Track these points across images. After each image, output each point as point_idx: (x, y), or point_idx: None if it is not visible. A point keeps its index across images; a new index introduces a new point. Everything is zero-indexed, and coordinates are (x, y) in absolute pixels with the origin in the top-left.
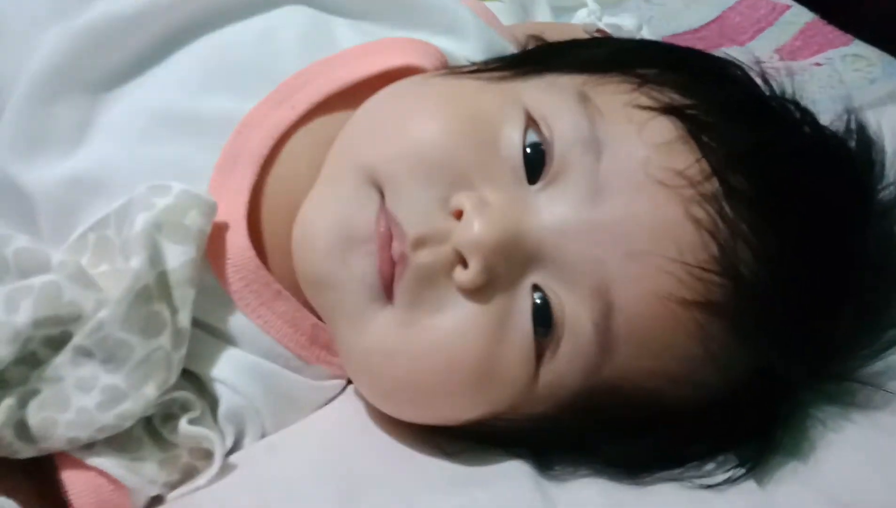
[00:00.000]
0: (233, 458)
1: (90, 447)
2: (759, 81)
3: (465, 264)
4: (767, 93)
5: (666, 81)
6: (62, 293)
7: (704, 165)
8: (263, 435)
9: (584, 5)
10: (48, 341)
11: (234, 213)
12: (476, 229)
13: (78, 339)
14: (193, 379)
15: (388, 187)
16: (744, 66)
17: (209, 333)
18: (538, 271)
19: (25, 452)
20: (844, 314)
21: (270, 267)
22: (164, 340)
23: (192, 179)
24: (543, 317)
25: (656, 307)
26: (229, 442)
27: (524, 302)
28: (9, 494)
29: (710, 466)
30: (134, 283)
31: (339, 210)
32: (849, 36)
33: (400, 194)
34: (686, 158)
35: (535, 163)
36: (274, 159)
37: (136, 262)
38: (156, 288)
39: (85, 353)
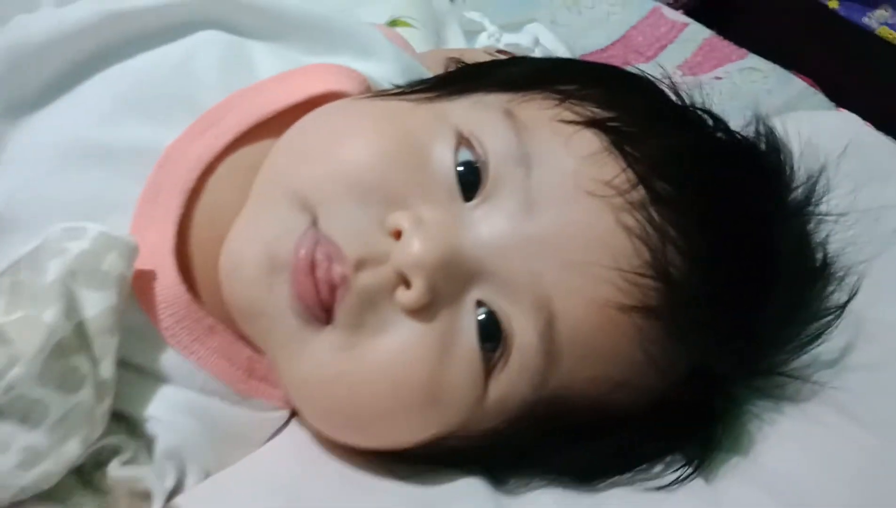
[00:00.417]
0: (180, 500)
1: (20, 503)
2: (669, 92)
3: (407, 284)
4: (680, 103)
5: (586, 95)
6: None
7: (630, 173)
8: (207, 473)
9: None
10: None
11: (161, 247)
12: (416, 248)
13: None
14: (124, 421)
15: (321, 210)
16: (654, 79)
17: (139, 373)
18: (481, 287)
19: None
20: (770, 309)
21: (202, 300)
22: (85, 394)
23: (110, 213)
24: (490, 332)
25: (596, 315)
26: (170, 482)
27: (468, 318)
28: None
29: (659, 467)
30: (48, 338)
31: (265, 237)
32: (744, 50)
33: (335, 215)
34: (612, 168)
35: (470, 181)
36: (200, 190)
37: (50, 315)
38: (73, 340)
39: None
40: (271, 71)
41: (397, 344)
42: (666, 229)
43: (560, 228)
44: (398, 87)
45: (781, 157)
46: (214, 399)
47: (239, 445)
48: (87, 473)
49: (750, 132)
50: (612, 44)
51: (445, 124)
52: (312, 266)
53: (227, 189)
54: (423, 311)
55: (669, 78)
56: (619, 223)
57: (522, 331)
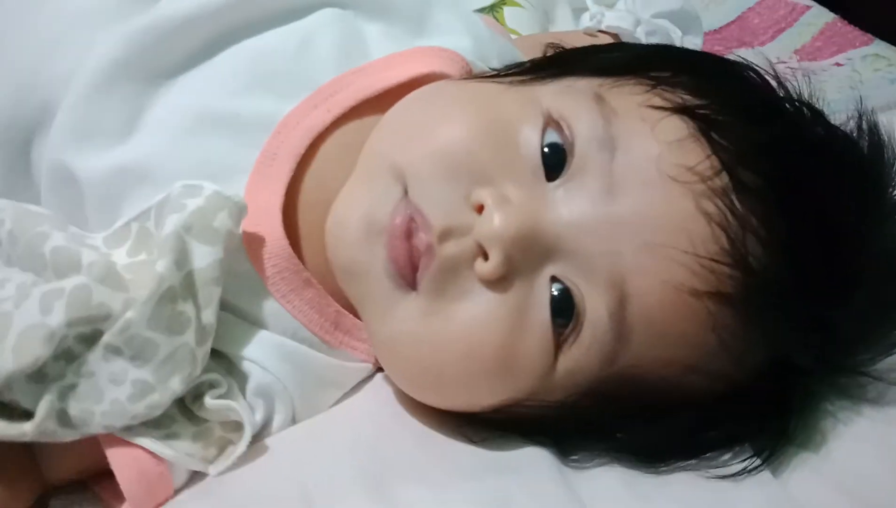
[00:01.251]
0: (271, 441)
1: (128, 428)
2: (773, 82)
3: (486, 256)
4: (780, 94)
5: (678, 82)
6: (91, 296)
7: (714, 161)
8: (294, 413)
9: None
10: (81, 338)
11: (271, 205)
12: (496, 222)
13: (107, 337)
14: (223, 359)
15: (412, 183)
16: (758, 68)
17: (240, 316)
18: (557, 264)
19: (69, 437)
20: (854, 306)
21: (303, 257)
22: (189, 337)
23: (232, 174)
24: (563, 307)
25: (669, 297)
26: (259, 417)
27: (543, 293)
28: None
29: (726, 456)
30: (158, 286)
31: (367, 203)
32: (869, 36)
33: (425, 189)
34: (697, 155)
35: (554, 162)
36: (310, 158)
37: (162, 265)
38: (181, 289)
39: (114, 350)
40: (382, 52)
41: (474, 312)
42: (747, 217)
43: (639, 210)
44: (495, 70)
45: (883, 155)
46: (304, 346)
47: (323, 388)
48: (187, 403)
49: (853, 127)
50: (727, 25)
51: (535, 107)
52: (407, 232)
53: (333, 158)
54: (500, 282)
55: (773, 67)
56: (700, 209)
57: (595, 308)
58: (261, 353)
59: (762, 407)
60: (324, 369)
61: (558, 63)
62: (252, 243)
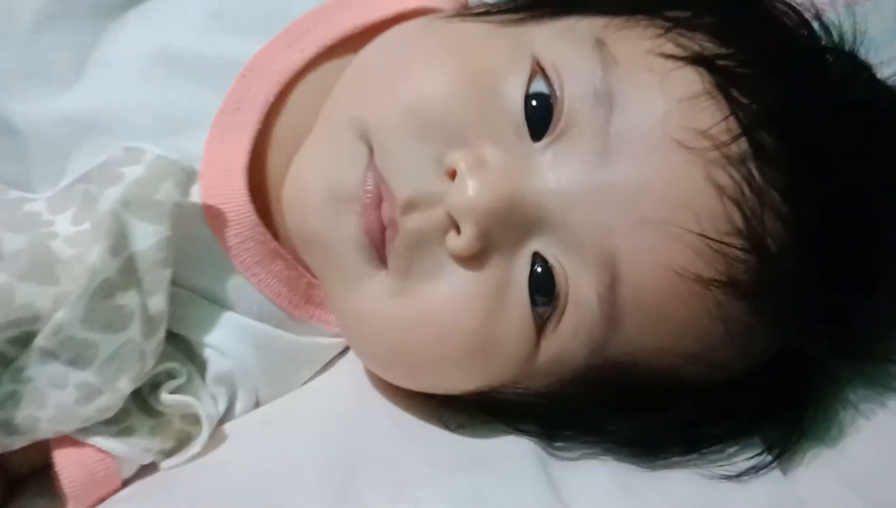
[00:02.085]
0: (229, 429)
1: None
2: (813, 22)
3: (458, 228)
4: (818, 42)
5: (698, 25)
6: (14, 296)
7: (732, 123)
8: (258, 398)
9: None
10: (12, 341)
11: (234, 164)
12: (470, 191)
13: (39, 341)
14: (183, 342)
15: (377, 144)
16: (795, 4)
17: (200, 293)
18: (540, 238)
19: (20, 443)
20: (880, 294)
21: (273, 223)
22: (133, 332)
23: (194, 126)
24: (544, 286)
25: (669, 282)
26: (221, 406)
27: (522, 271)
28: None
29: (731, 450)
30: (90, 280)
31: (329, 166)
32: None
33: (390, 151)
34: (711, 116)
35: (540, 117)
36: (280, 107)
37: (95, 255)
38: (120, 278)
39: (49, 354)
40: None
41: (445, 292)
42: (766, 191)
43: (638, 179)
44: (486, 5)
45: None
46: (269, 325)
47: (295, 368)
48: (143, 395)
49: None
50: None
51: (524, 52)
52: (379, 200)
53: (307, 107)
54: (476, 258)
55: (814, 4)
56: (710, 180)
57: (580, 289)
58: (222, 337)
59: (772, 399)
60: (293, 348)
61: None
62: (213, 210)
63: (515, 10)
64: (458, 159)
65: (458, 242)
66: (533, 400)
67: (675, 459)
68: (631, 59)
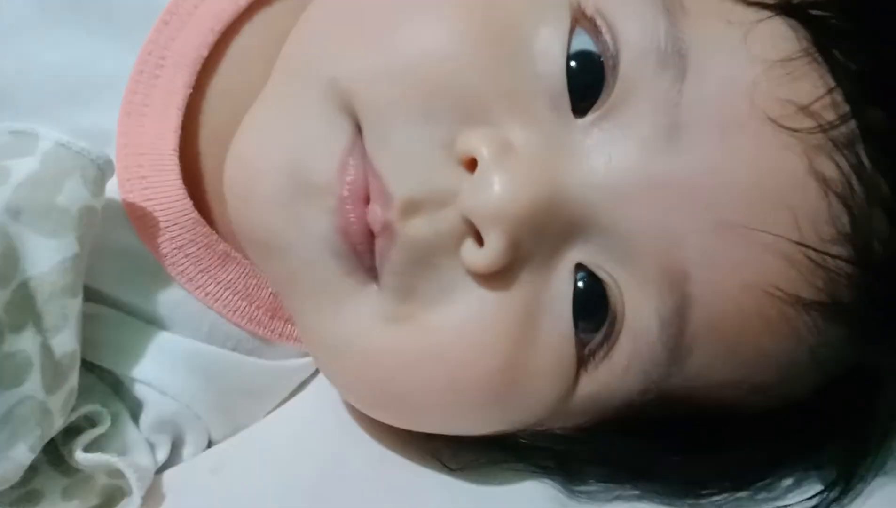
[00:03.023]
0: (172, 478)
1: None
2: None
3: (478, 237)
4: None
5: None
6: None
7: (838, 95)
8: (211, 438)
9: None
10: None
11: (160, 142)
12: (497, 189)
13: None
14: (107, 373)
15: (367, 120)
16: None
17: (128, 312)
18: (584, 244)
19: None
20: None
21: (213, 218)
22: (32, 385)
23: (99, 91)
24: (591, 307)
25: (755, 305)
26: (162, 455)
27: (563, 287)
28: None
29: (786, 483)
30: None
31: (291, 141)
32: None
33: (384, 131)
34: (813, 86)
35: (586, 84)
36: (215, 62)
37: None
38: (9, 316)
39: None
40: None
41: (460, 320)
42: (876, 183)
43: (717, 169)
44: None
45: None
46: (224, 349)
47: (255, 400)
48: (55, 445)
49: None
50: None
51: None
52: (366, 194)
53: (252, 63)
54: (499, 274)
55: None
56: (812, 171)
57: (639, 311)
58: (162, 369)
59: (837, 424)
60: (253, 376)
61: None
62: (136, 208)
63: None
64: (478, 144)
65: (480, 256)
66: (557, 443)
67: (721, 498)
68: (703, 5)
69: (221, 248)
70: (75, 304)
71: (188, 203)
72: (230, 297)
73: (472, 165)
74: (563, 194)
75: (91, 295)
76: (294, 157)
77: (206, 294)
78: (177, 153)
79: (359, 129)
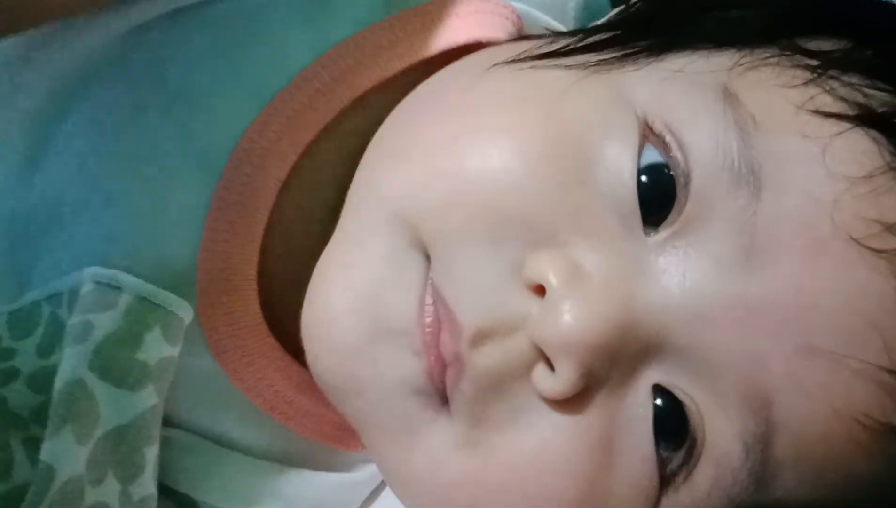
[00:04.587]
0: None
1: None
2: None
3: (549, 362)
4: None
5: (853, 62)
6: None
7: None
8: None
9: None
10: None
11: (240, 272)
12: (567, 318)
13: None
14: (186, 497)
15: (433, 249)
16: None
17: (203, 435)
18: (661, 365)
19: None
20: None
21: (286, 339)
22: None
23: (173, 222)
24: (671, 429)
25: (846, 432)
26: None
27: (641, 409)
28: None
29: None
30: (49, 485)
31: (365, 282)
32: None
33: (451, 259)
34: None
35: (658, 199)
36: (289, 182)
37: (49, 453)
38: (89, 472)
39: None
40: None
41: (534, 446)
42: None
43: (799, 292)
44: (553, 35)
45: None
46: (297, 467)
47: None
48: None
49: None
50: None
51: (624, 109)
52: (439, 330)
53: (322, 184)
54: (574, 398)
55: None
56: None
57: (720, 436)
58: (234, 493)
59: None
60: (326, 492)
61: (656, 25)
62: (216, 331)
63: (601, 45)
64: (546, 270)
65: (553, 383)
66: None
67: None
68: (775, 118)
69: (297, 377)
70: (153, 450)
71: (274, 342)
72: (303, 417)
73: (540, 289)
74: (636, 317)
75: (164, 419)
76: (369, 299)
77: (281, 414)
78: (255, 280)
79: (427, 258)
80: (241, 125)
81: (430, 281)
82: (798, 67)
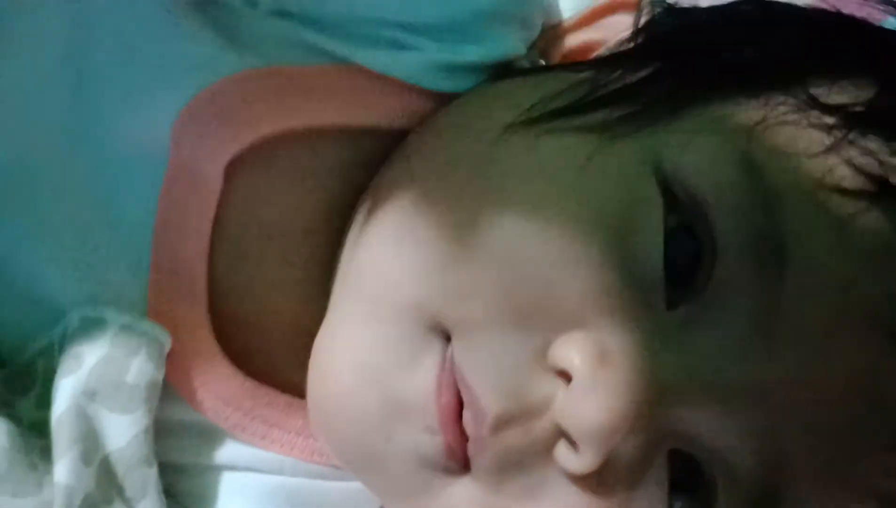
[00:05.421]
0: None
1: None
2: None
3: (572, 440)
4: None
5: (870, 117)
6: None
7: None
8: None
9: None
10: None
11: (192, 320)
12: (593, 407)
13: None
14: None
15: (456, 333)
16: None
17: (204, 468)
18: (678, 436)
19: None
20: None
21: (254, 368)
22: None
23: (111, 262)
24: (687, 488)
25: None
26: None
27: (659, 472)
28: None
29: None
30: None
31: (381, 363)
32: None
33: (474, 343)
34: None
35: (678, 276)
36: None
37: (63, 473)
38: (100, 491)
39: None
40: None
41: None
42: None
43: (817, 372)
44: (574, 85)
45: None
46: (306, 479)
47: None
48: None
49: None
50: None
51: (648, 180)
52: (459, 409)
53: (257, 199)
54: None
55: None
56: None
57: (736, 501)
58: (248, 503)
59: None
60: (341, 499)
61: (668, 67)
62: (187, 385)
63: (613, 98)
64: (573, 357)
65: (578, 465)
66: None
67: None
68: (797, 192)
69: (283, 399)
70: (153, 473)
71: (241, 377)
72: (302, 441)
73: (566, 373)
74: (659, 398)
75: (162, 469)
76: (381, 377)
77: (281, 445)
78: (211, 327)
79: (447, 338)
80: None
81: (447, 361)
82: (817, 127)
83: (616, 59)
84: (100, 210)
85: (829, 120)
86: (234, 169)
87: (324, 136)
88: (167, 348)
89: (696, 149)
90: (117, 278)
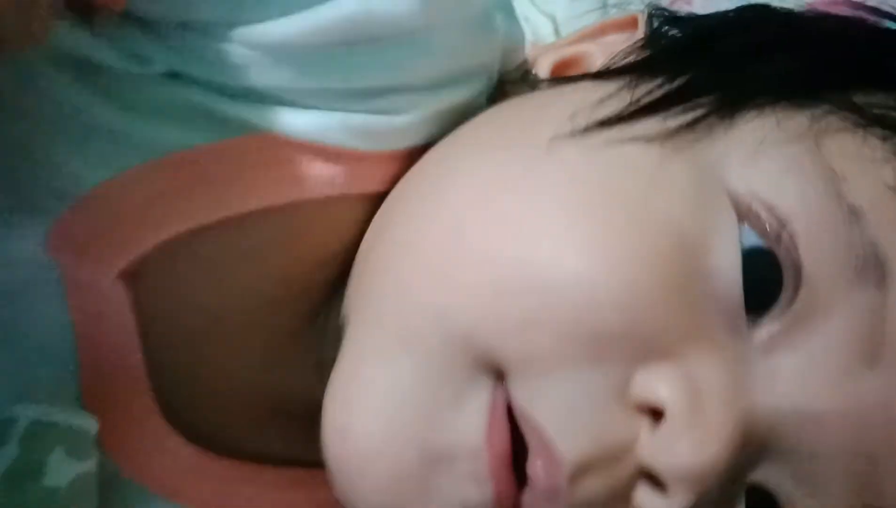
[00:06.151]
0: None
1: None
2: None
3: (655, 481)
4: None
5: None
6: None
7: None
8: None
9: None
10: None
11: (131, 396)
12: (690, 450)
13: None
14: None
15: (515, 371)
16: None
17: None
18: (765, 466)
19: None
20: None
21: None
22: None
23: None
24: None
25: None
26: None
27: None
28: None
29: None
30: None
31: (418, 408)
32: None
33: (540, 381)
34: None
35: (761, 292)
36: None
37: None
38: None
39: None
40: None
41: None
42: None
43: None
44: (618, 86)
45: None
46: None
47: None
48: None
49: None
50: None
51: (716, 192)
52: (510, 454)
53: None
54: None
55: None
56: None
57: None
58: None
59: None
60: None
61: (703, 75)
62: (134, 463)
63: (661, 105)
64: (663, 392)
65: (664, 507)
66: None
67: None
68: (878, 201)
69: (248, 469)
70: None
71: (191, 449)
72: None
73: (653, 410)
74: (752, 430)
75: None
76: (425, 425)
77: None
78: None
79: (498, 377)
80: None
81: (499, 401)
82: (874, 135)
83: (645, 67)
84: (9, 328)
85: (880, 130)
86: (147, 266)
87: (255, 215)
88: (93, 433)
89: (764, 155)
90: (47, 376)
